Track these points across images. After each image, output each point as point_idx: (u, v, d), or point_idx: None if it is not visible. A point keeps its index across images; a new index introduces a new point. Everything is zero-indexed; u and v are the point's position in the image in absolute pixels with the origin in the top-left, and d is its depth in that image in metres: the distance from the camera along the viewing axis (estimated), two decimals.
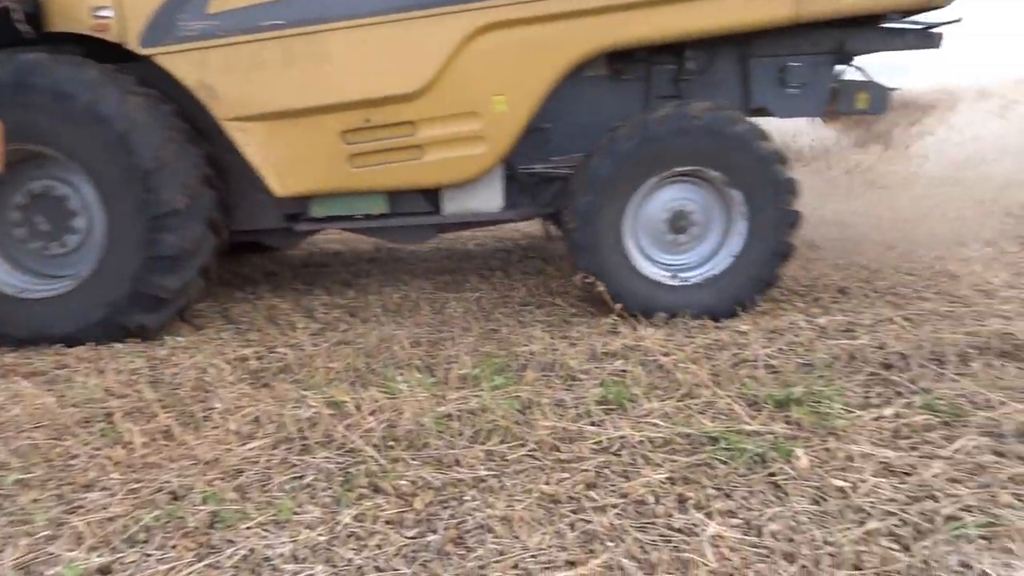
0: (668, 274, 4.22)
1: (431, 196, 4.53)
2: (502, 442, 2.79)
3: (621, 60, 4.44)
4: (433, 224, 4.60)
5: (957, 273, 4.88)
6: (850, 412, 2.87)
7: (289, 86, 4.10)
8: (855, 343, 3.62)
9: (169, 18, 4.06)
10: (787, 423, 2.82)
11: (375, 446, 2.79)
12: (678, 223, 4.20)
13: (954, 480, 2.37)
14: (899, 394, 3.05)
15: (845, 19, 4.10)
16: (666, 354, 3.56)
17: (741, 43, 4.35)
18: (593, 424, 2.89)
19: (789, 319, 4.05)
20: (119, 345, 4.13)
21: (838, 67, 4.47)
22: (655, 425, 2.83)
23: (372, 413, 3.06)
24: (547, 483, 2.48)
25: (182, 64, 4.10)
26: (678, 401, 3.05)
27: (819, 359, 3.44)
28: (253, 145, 4.23)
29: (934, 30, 4.40)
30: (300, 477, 2.64)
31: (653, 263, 4.24)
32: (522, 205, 4.61)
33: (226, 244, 4.57)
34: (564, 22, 3.99)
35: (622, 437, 2.74)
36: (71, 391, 3.46)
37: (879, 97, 4.38)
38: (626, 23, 4.02)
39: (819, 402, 2.94)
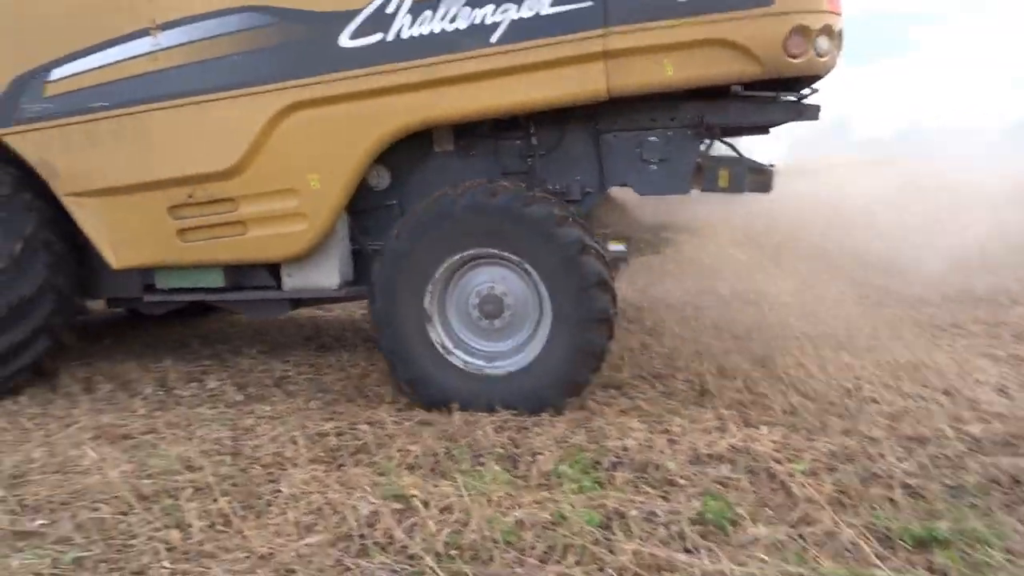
0: (480, 362, 3.93)
1: (275, 271, 4.45)
2: (577, 564, 2.43)
3: (468, 135, 4.29)
4: (279, 299, 4.49)
5: None
6: (1014, 562, 2.31)
7: (119, 163, 4.23)
8: (1019, 462, 3.01)
9: (11, 102, 4.31)
10: (930, 571, 2.29)
11: (436, 554, 2.51)
12: (487, 307, 3.91)
13: None
14: None
15: (702, 91, 3.83)
16: (780, 461, 3.08)
17: (591, 117, 4.12)
18: (686, 551, 2.48)
19: (934, 424, 3.46)
20: (208, 411, 4.11)
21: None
22: (761, 560, 2.37)
23: (441, 511, 2.79)
24: None
25: (25, 144, 4.36)
26: (791, 528, 2.58)
27: (972, 482, 2.86)
28: (89, 219, 4.39)
29: (808, 100, 3.99)
30: None
31: (464, 349, 3.97)
32: None
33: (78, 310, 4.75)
34: (366, 101, 3.90)
35: (720, 573, 2.31)
36: (152, 459, 3.41)
37: (738, 175, 4.02)
38: (433, 100, 3.88)
39: (972, 545, 2.39)
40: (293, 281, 4.41)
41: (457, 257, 3.86)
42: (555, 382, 3.79)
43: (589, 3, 3.69)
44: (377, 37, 3.83)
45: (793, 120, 4.11)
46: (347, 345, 5.63)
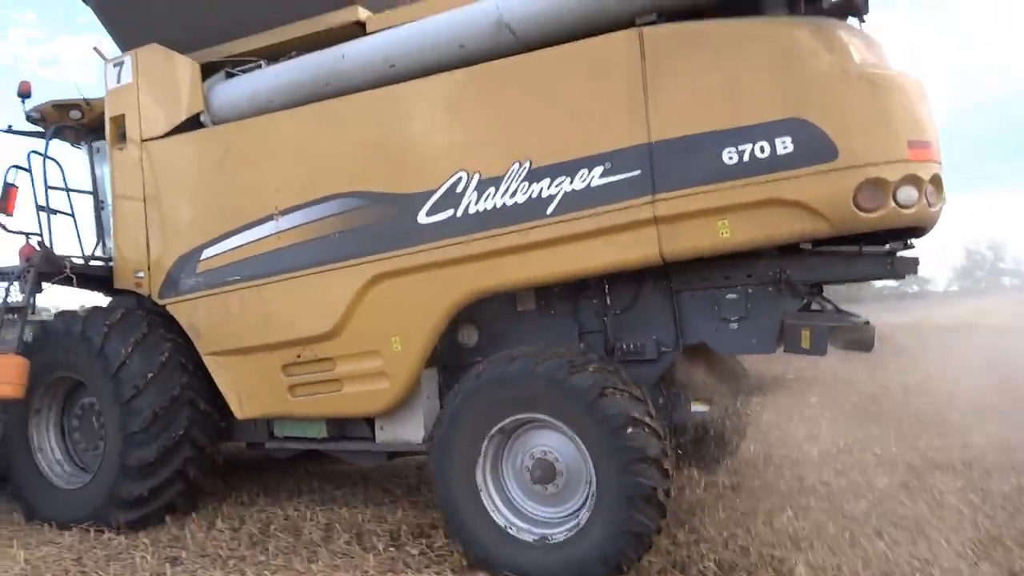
0: (528, 527, 3.92)
1: (372, 424, 4.82)
2: None
3: (548, 295, 4.47)
4: (374, 451, 4.84)
5: None
6: None
7: (245, 328, 4.89)
8: None
9: (175, 276, 5.13)
10: None
11: None
12: (538, 472, 3.94)
13: None
14: None
15: (783, 246, 3.79)
16: None
17: (665, 276, 4.17)
18: None
19: None
20: None
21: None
22: None
23: None
24: None
25: (180, 311, 5.13)
26: None
27: None
28: (221, 375, 5.04)
29: (903, 254, 3.64)
30: None
31: (517, 513, 3.99)
32: None
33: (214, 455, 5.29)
34: (439, 270, 4.24)
35: None
36: None
37: (820, 336, 3.73)
38: (494, 269, 4.14)
39: None
40: (384, 434, 4.74)
41: (508, 420, 3.93)
42: (598, 559, 3.62)
43: (636, 172, 3.81)
44: (449, 213, 4.21)
45: (886, 277, 3.88)
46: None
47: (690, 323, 4.19)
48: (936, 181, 3.65)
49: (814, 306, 4.90)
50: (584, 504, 3.83)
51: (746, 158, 3.62)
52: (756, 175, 3.60)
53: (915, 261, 3.86)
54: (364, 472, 6.54)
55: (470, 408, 4.00)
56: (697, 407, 4.36)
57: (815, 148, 3.52)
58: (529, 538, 3.89)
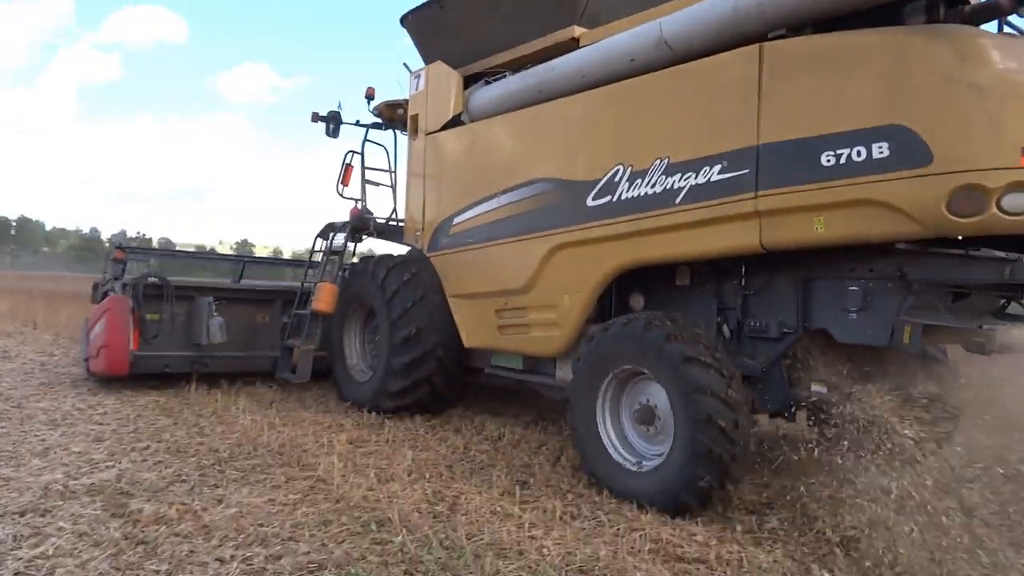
0: (631, 457, 4.80)
1: (555, 363, 6.00)
2: None
3: (700, 273, 5.16)
4: (554, 385, 5.97)
5: None
6: None
7: (474, 278, 6.45)
8: None
9: (438, 236, 6.84)
10: None
11: None
12: (638, 415, 4.81)
13: None
14: None
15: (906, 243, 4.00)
16: None
17: (798, 265, 4.53)
18: None
19: None
20: (763, 555, 3.79)
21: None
22: None
23: None
24: None
25: (438, 262, 6.88)
26: None
27: None
28: (457, 313, 6.70)
29: None
30: None
31: (624, 442, 4.90)
32: None
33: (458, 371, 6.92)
34: (598, 244, 5.23)
35: None
36: None
37: (916, 333, 3.94)
38: (636, 247, 5.02)
39: None
40: (561, 373, 5.89)
41: (620, 368, 4.82)
42: (681, 481, 4.27)
43: (745, 171, 4.36)
44: (607, 198, 5.16)
45: (1002, 283, 3.88)
46: None
47: (815, 309, 4.56)
48: None
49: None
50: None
51: (843, 161, 3.94)
52: (850, 177, 3.91)
53: None
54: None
55: (596, 354, 4.97)
56: (817, 387, 4.70)
57: (910, 153, 3.71)
58: (631, 466, 4.76)
